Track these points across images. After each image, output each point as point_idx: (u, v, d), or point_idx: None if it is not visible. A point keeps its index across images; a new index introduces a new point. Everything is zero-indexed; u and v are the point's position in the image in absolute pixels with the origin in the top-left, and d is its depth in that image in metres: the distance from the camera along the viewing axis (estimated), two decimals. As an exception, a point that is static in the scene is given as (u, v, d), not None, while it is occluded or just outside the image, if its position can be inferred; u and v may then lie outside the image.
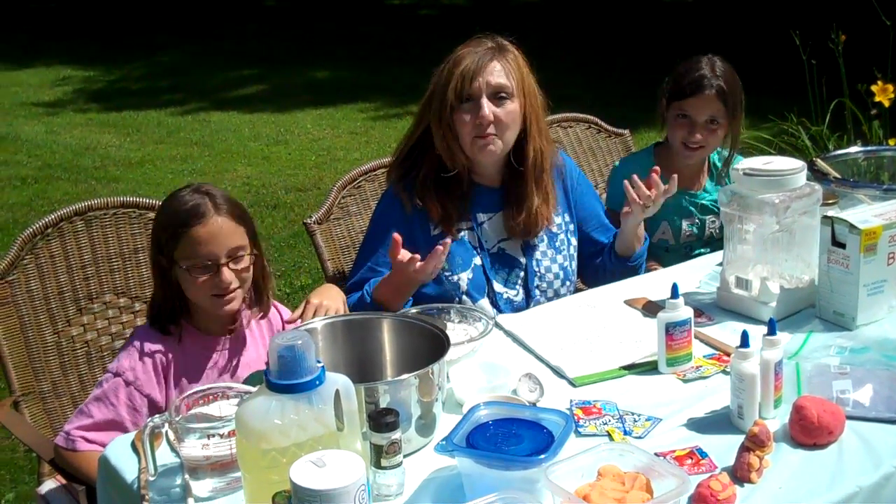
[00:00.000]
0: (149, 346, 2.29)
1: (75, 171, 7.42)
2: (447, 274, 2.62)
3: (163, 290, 2.31)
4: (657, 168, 2.72)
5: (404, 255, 2.42)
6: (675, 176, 2.71)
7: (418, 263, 2.39)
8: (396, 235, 2.42)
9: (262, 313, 2.42)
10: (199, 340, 2.33)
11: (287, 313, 2.50)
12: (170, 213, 2.28)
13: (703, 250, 3.09)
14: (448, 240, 2.48)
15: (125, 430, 2.16)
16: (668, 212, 3.11)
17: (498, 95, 2.56)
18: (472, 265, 2.66)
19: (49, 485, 2.49)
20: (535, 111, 2.64)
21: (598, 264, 2.86)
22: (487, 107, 2.55)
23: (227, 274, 2.24)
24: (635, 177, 2.69)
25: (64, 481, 2.42)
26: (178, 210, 2.26)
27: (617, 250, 2.81)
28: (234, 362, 2.36)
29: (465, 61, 2.56)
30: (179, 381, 2.29)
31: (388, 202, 2.71)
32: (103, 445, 2.17)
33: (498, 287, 2.68)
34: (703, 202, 3.19)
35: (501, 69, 2.57)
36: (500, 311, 2.65)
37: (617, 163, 3.35)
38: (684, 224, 3.17)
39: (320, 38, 12.78)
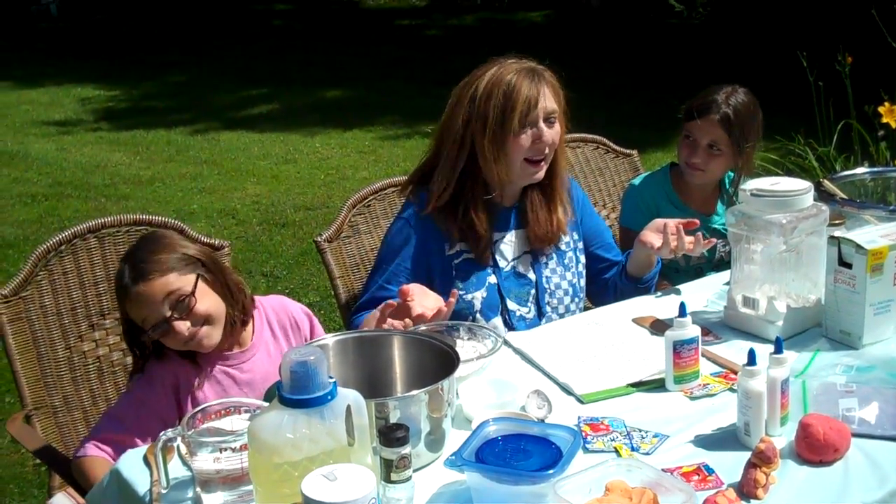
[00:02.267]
0: (162, 366, 2.32)
1: (85, 189, 7.46)
2: (461, 293, 2.64)
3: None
4: (696, 221, 2.75)
5: (416, 307, 2.37)
6: (702, 236, 2.74)
7: (428, 318, 2.38)
8: (404, 288, 2.40)
9: (245, 323, 2.43)
10: (211, 357, 2.36)
11: (319, 326, 2.54)
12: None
13: (712, 273, 3.11)
14: (456, 292, 2.50)
15: (134, 446, 2.18)
16: None
17: (549, 119, 2.63)
18: (486, 284, 2.69)
19: (59, 498, 2.51)
20: (565, 128, 2.72)
21: (606, 281, 2.89)
22: (547, 132, 2.62)
23: (180, 326, 2.24)
24: (680, 226, 2.71)
25: (76, 495, 2.43)
26: (115, 282, 2.32)
27: (629, 271, 2.83)
28: (250, 375, 2.39)
29: (524, 87, 2.58)
30: (194, 399, 2.32)
31: (402, 223, 2.72)
32: (110, 455, 2.22)
33: (511, 305, 2.70)
34: (715, 226, 3.21)
35: (550, 93, 2.63)
36: (513, 328, 2.67)
37: (636, 181, 3.35)
38: None
39: (329, 58, 12.84)
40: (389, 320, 2.35)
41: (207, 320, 2.28)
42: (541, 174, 2.67)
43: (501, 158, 2.62)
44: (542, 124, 2.61)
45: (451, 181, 2.64)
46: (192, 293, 2.25)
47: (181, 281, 2.26)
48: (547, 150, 2.64)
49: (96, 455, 2.26)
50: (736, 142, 3.09)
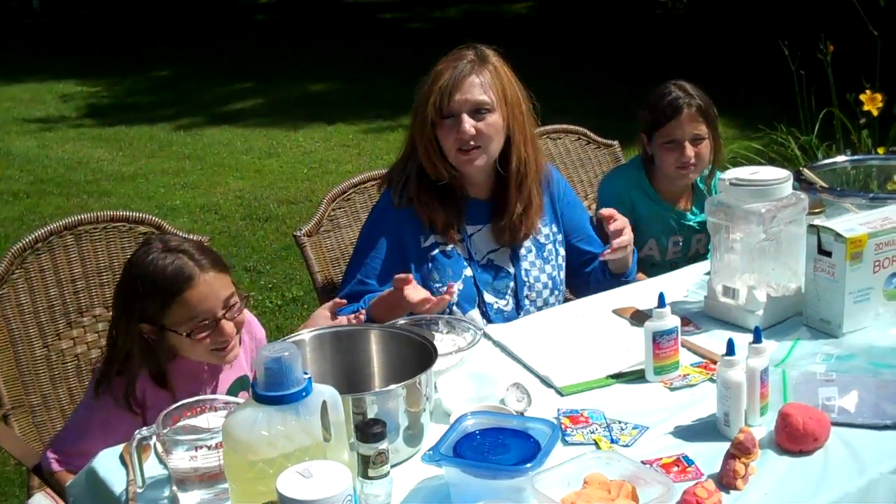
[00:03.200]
0: (128, 383, 2.27)
1: (67, 186, 7.42)
2: (437, 286, 2.63)
3: (138, 353, 2.23)
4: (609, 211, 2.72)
5: (414, 294, 2.41)
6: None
7: (427, 305, 2.40)
8: (407, 276, 2.42)
9: None
10: (179, 367, 2.32)
11: (260, 329, 2.51)
12: (151, 282, 2.16)
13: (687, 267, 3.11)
14: (454, 284, 2.53)
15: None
16: (656, 229, 3.15)
17: (478, 110, 2.57)
18: (463, 276, 2.67)
19: (39, 498, 2.49)
20: (519, 119, 2.65)
21: (589, 274, 2.88)
22: (468, 122, 2.56)
23: (228, 326, 2.21)
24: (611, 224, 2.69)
25: (55, 496, 2.42)
26: (159, 277, 2.16)
27: (611, 269, 2.82)
28: (215, 385, 2.36)
29: (443, 77, 2.57)
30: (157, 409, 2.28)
31: (378, 215, 2.72)
32: (73, 469, 2.20)
33: (488, 298, 2.69)
34: (689, 223, 3.21)
35: (480, 84, 2.57)
36: (490, 321, 2.66)
37: (608, 175, 3.36)
38: (670, 242, 3.20)
39: (312, 51, 12.80)
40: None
41: (239, 331, 2.28)
42: (476, 162, 2.62)
43: (427, 146, 2.61)
44: (463, 116, 2.56)
45: (413, 171, 2.65)
46: (242, 299, 2.26)
47: (228, 280, 2.25)
48: (473, 142, 2.58)
49: (59, 471, 2.26)
50: (712, 126, 3.12)
